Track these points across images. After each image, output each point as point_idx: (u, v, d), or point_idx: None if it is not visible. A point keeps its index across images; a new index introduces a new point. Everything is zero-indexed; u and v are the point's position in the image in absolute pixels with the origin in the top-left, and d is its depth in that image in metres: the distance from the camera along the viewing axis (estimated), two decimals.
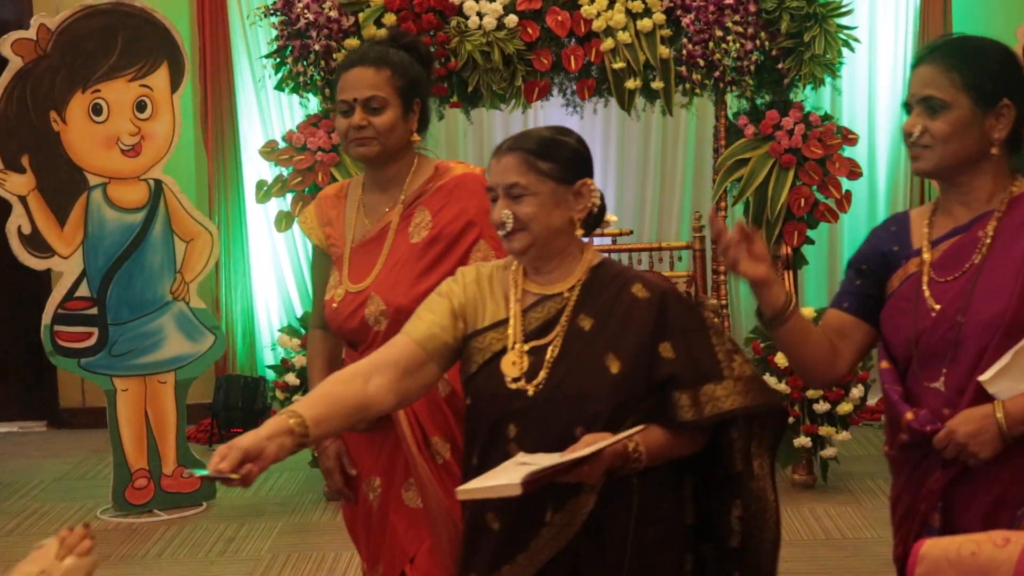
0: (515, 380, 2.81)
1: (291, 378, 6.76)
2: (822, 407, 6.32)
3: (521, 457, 2.66)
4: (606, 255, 3.01)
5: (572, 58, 6.67)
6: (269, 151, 6.92)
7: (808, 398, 6.33)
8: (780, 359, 6.30)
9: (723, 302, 6.90)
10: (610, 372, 2.77)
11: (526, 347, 2.84)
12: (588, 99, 6.84)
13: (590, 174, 2.89)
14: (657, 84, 6.67)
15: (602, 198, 2.90)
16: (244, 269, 8.44)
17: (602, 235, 7.38)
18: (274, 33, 6.83)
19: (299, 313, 7.66)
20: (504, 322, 2.89)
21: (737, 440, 2.81)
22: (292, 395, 6.68)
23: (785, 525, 5.82)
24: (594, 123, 7.77)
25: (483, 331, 2.90)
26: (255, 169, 7.88)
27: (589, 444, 2.61)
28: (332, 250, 3.53)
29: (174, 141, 6.75)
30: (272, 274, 8.50)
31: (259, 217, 8.14)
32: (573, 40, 6.69)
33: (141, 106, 6.67)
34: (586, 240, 2.95)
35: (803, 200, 6.50)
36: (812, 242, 6.72)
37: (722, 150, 6.84)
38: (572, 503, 2.74)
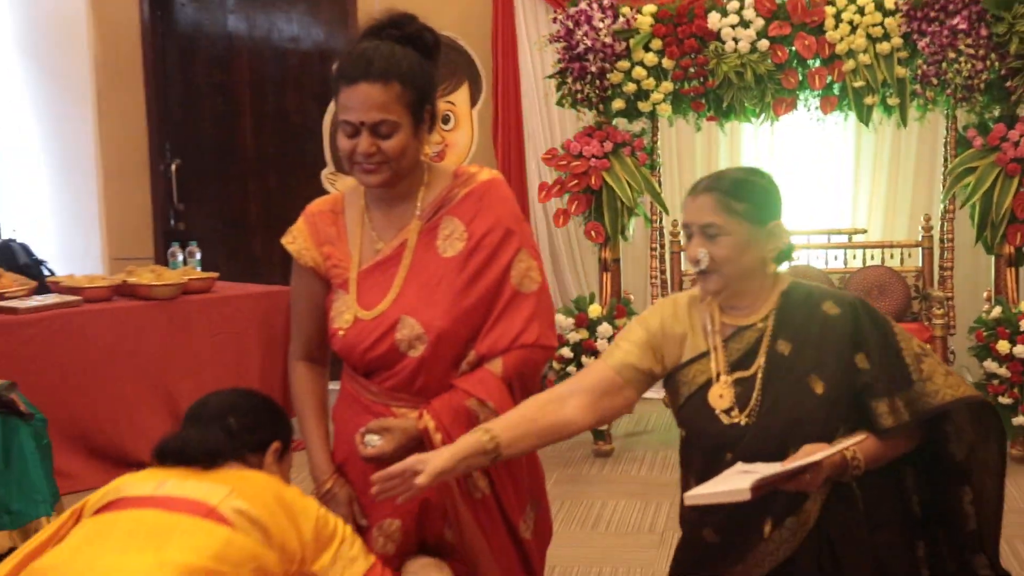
0: (726, 412, 2.62)
1: (566, 351, 6.83)
2: None
3: (741, 466, 2.50)
4: (793, 278, 2.77)
5: (817, 77, 6.69)
6: (550, 157, 7.05)
7: None
8: (1002, 346, 6.23)
9: (948, 295, 6.83)
10: (815, 393, 2.57)
11: (731, 378, 2.64)
12: (829, 113, 6.84)
13: (780, 215, 2.67)
14: (893, 100, 6.65)
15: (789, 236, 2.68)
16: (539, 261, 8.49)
17: (840, 232, 7.41)
18: (556, 57, 6.96)
19: (572, 295, 7.75)
20: (705, 355, 2.68)
21: (952, 433, 2.62)
22: (565, 367, 6.82)
23: (1007, 495, 5.83)
24: (834, 133, 7.74)
25: (686, 365, 2.70)
26: (537, 173, 8.04)
27: (808, 454, 2.46)
28: (333, 271, 2.83)
29: (472, 149, 6.98)
30: (547, 259, 8.40)
31: (540, 214, 8.29)
32: (818, 61, 6.70)
33: (446, 119, 6.94)
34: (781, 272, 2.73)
35: None
36: None
37: (951, 159, 6.78)
38: (791, 521, 2.56)
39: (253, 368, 6.96)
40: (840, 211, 7.99)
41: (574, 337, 6.79)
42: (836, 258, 7.32)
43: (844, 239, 7.35)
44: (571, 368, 6.77)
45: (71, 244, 8.38)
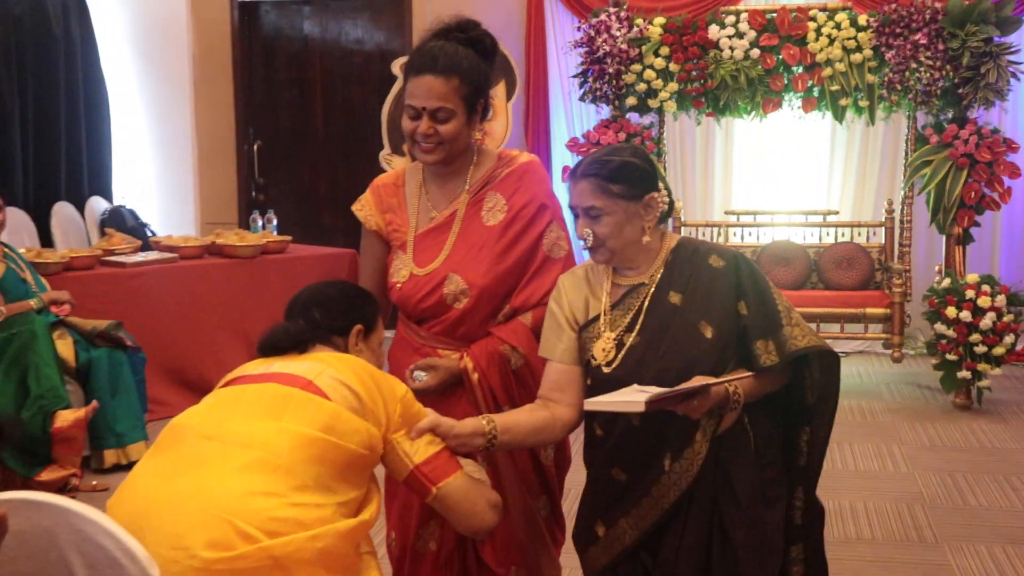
0: (607, 364, 2.49)
1: None
2: (981, 349, 6.22)
3: (637, 387, 2.36)
4: (681, 236, 2.62)
5: (799, 81, 6.69)
6: (573, 144, 7.09)
7: (970, 342, 6.23)
8: (950, 312, 6.24)
9: (906, 268, 6.83)
10: (706, 337, 2.45)
11: (613, 335, 2.51)
12: (809, 112, 6.84)
13: (656, 187, 2.51)
14: (863, 102, 6.66)
15: (670, 195, 2.56)
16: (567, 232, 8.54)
17: (815, 213, 7.41)
18: (579, 60, 6.99)
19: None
20: (596, 318, 2.56)
21: (808, 379, 2.53)
22: None
23: (947, 435, 5.89)
24: (813, 129, 7.74)
25: (586, 325, 2.56)
26: (561, 157, 8.07)
27: (698, 382, 2.35)
28: (393, 235, 2.84)
29: (506, 136, 7.00)
30: (568, 231, 8.57)
31: (563, 193, 8.27)
32: (801, 68, 6.70)
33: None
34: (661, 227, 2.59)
35: (973, 193, 6.38)
36: (979, 225, 6.58)
37: (911, 153, 6.78)
38: (688, 452, 2.45)
39: None
40: (816, 194, 7.98)
41: None
42: (812, 235, 7.33)
43: (819, 219, 7.36)
44: None
45: (170, 210, 8.46)
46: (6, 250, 5.50)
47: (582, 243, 2.53)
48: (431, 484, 2.28)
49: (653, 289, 2.52)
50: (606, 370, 2.49)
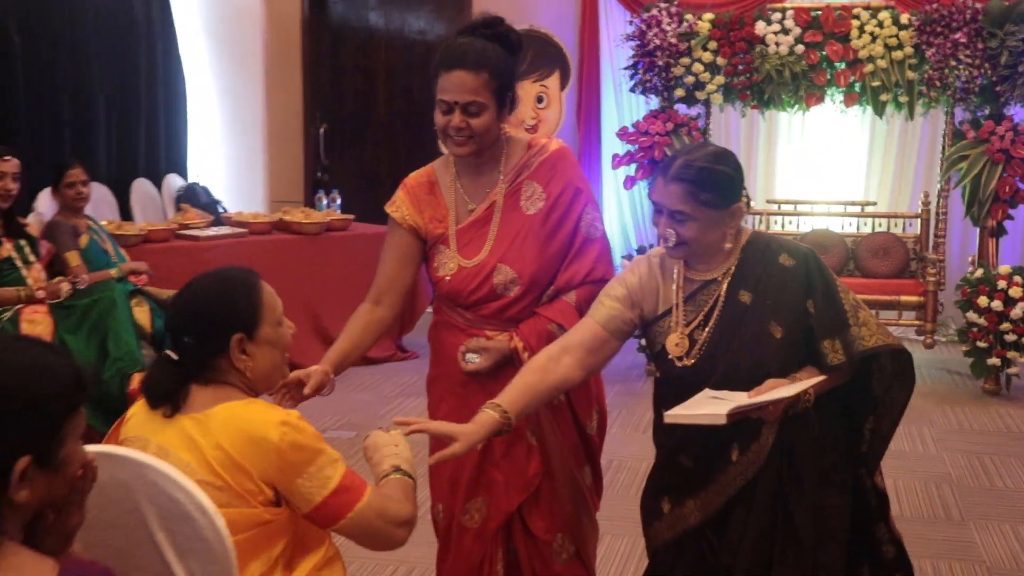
0: (679, 358, 2.47)
1: None
2: (1011, 337, 6.14)
3: (710, 392, 2.35)
4: (754, 231, 2.55)
5: (842, 77, 6.61)
6: (622, 133, 7.03)
7: (1001, 330, 6.15)
8: (982, 301, 6.16)
9: (940, 258, 6.75)
10: (775, 337, 2.39)
11: (687, 329, 2.47)
12: (851, 106, 6.75)
13: (740, 195, 2.44)
14: (903, 98, 6.56)
15: (747, 196, 2.44)
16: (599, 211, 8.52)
17: (854, 203, 7.33)
18: (631, 52, 6.93)
19: (634, 245, 7.77)
20: (669, 311, 2.52)
21: (876, 372, 2.48)
22: None
23: (976, 419, 5.82)
24: (854, 123, 7.65)
25: (659, 318, 2.52)
26: (610, 146, 8.03)
27: (771, 388, 2.31)
28: (434, 231, 2.77)
29: (560, 124, 6.99)
30: (616, 216, 8.54)
31: (611, 178, 8.30)
32: (844, 64, 6.61)
33: (540, 99, 6.94)
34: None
35: (1008, 187, 6.28)
36: (1012, 218, 6.49)
37: (948, 148, 6.68)
38: (755, 445, 2.41)
39: None
40: (855, 186, 7.90)
41: None
42: (850, 224, 7.25)
43: (857, 209, 7.29)
44: None
45: (241, 188, 8.51)
46: (89, 223, 5.58)
47: (662, 241, 2.46)
48: (331, 523, 2.09)
49: (725, 287, 2.46)
50: (679, 364, 2.46)
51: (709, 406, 2.29)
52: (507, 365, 2.68)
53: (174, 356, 2.07)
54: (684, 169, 2.38)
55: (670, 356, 2.48)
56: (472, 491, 2.75)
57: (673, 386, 2.45)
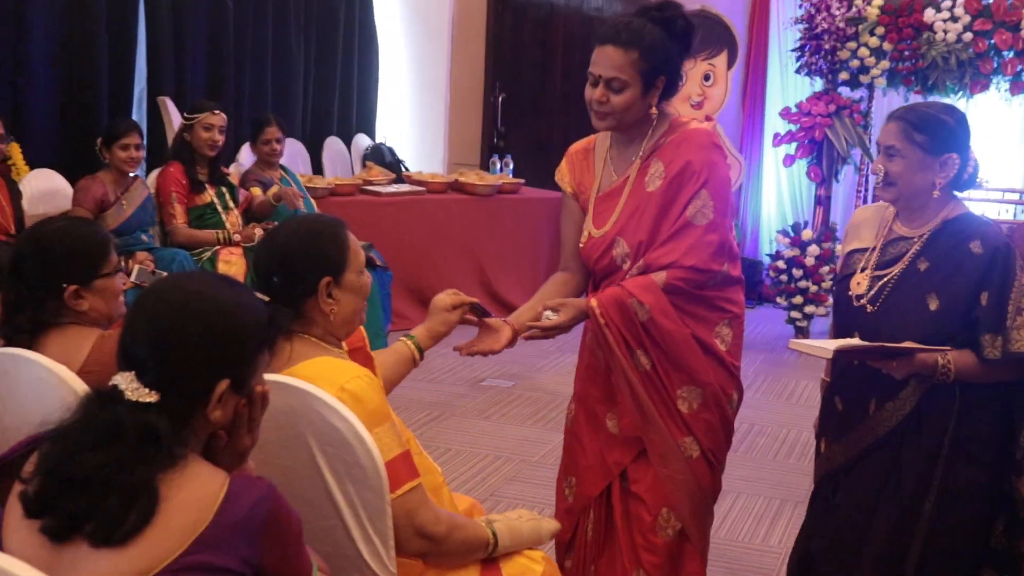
0: (857, 297, 2.50)
1: (780, 264, 6.83)
2: None
3: (848, 340, 2.39)
4: (967, 211, 2.50)
5: (1009, 66, 6.30)
6: (786, 113, 6.90)
7: None
8: None
9: None
10: (929, 308, 2.38)
11: (872, 273, 2.50)
12: (1017, 95, 6.43)
13: (958, 150, 2.42)
14: None
15: (976, 167, 2.45)
16: (758, 187, 8.39)
17: (1012, 191, 7.03)
18: (798, 35, 6.79)
19: (790, 221, 7.65)
20: (868, 249, 2.56)
21: None
22: (779, 275, 6.78)
23: None
24: (1017, 111, 7.30)
25: (855, 252, 2.58)
26: (773, 125, 7.87)
27: (907, 346, 2.32)
28: (582, 198, 2.75)
29: (725, 102, 6.91)
30: (774, 192, 8.39)
31: (772, 157, 8.14)
32: (1012, 53, 6.30)
33: (707, 77, 6.86)
34: (957, 196, 2.50)
35: None
36: None
37: None
38: (890, 405, 2.43)
39: (542, 256, 7.15)
40: (1014, 173, 7.55)
41: (788, 253, 6.76)
42: (1007, 211, 6.94)
43: (1015, 196, 6.96)
44: (782, 276, 6.75)
45: (422, 149, 8.69)
46: (283, 173, 5.81)
47: (874, 177, 2.50)
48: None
49: (913, 250, 2.47)
50: (855, 303, 2.51)
51: (828, 343, 2.33)
52: (583, 322, 2.65)
53: (264, 298, 1.84)
54: (908, 111, 2.46)
55: (850, 292, 2.52)
56: (567, 468, 2.81)
57: (844, 323, 2.52)
